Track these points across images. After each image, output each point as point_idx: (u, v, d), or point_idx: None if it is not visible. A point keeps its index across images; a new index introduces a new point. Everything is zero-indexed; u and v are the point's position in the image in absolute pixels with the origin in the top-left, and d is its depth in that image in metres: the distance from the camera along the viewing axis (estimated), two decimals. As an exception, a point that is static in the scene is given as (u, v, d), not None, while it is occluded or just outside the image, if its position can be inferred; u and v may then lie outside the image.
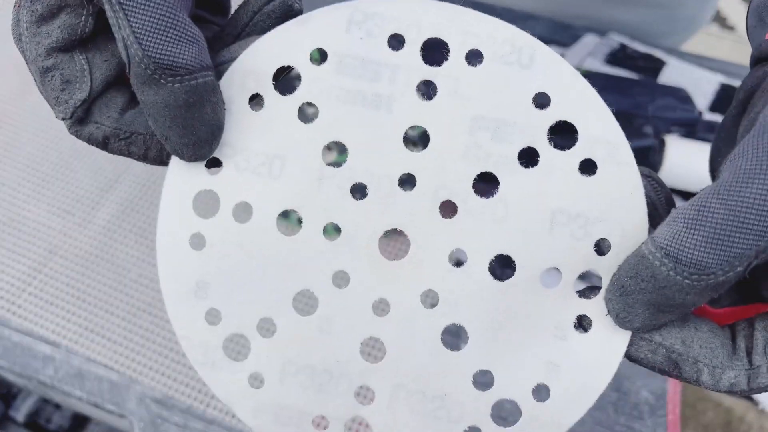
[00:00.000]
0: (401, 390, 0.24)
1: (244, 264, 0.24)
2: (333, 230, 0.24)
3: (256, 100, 0.24)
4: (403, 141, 0.24)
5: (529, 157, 0.23)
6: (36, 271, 0.49)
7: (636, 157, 0.23)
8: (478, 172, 0.23)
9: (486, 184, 0.23)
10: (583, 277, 0.23)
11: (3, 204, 0.53)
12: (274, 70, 0.24)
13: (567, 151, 0.23)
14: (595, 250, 0.23)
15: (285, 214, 0.24)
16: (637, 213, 0.23)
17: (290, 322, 0.24)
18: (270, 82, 0.24)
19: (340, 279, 0.24)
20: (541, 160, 0.23)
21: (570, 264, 0.23)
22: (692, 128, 0.54)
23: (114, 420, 0.45)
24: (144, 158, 0.24)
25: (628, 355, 0.23)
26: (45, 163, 0.55)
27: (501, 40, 0.23)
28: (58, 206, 0.53)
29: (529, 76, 0.23)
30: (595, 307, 0.23)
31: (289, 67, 0.24)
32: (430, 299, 0.24)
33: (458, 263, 0.24)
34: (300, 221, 0.24)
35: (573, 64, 0.48)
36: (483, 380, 0.24)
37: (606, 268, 0.23)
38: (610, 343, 0.23)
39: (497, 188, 0.23)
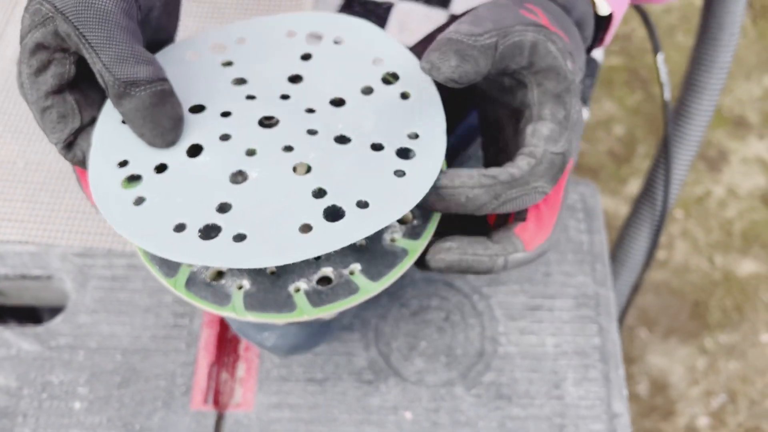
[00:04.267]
0: (254, 199, 0.30)
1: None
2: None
3: None
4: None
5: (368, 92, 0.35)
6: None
7: None
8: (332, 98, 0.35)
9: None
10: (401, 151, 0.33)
11: None
12: None
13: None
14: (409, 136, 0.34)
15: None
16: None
17: (179, 163, 0.32)
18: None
19: (225, 137, 0.33)
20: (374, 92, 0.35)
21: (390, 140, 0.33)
22: None
23: (44, 286, 0.49)
24: None
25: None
26: None
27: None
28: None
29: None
30: (410, 165, 0.32)
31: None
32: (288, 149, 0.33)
33: (311, 133, 0.33)
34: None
35: None
36: (319, 195, 0.31)
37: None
38: (421, 173, 0.32)
39: (345, 106, 0.34)
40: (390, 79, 0.36)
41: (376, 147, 0.33)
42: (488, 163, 0.38)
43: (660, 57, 0.72)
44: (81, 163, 0.33)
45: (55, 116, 0.32)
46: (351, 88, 0.35)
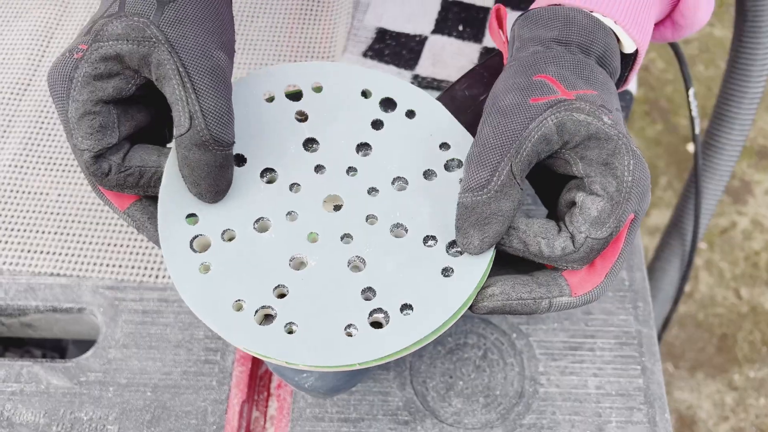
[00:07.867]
0: (309, 289, 0.32)
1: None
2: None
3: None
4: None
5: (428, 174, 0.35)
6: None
7: None
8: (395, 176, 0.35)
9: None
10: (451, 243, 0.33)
11: None
12: None
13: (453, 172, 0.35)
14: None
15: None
16: None
17: (246, 235, 0.33)
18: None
19: (292, 216, 0.34)
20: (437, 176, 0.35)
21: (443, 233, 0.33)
22: None
23: (75, 319, 0.49)
24: (136, 185, 0.33)
25: (500, 250, 0.33)
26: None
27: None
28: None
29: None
30: (458, 263, 0.32)
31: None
32: (347, 238, 0.34)
33: (371, 220, 0.34)
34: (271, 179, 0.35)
35: None
36: (367, 294, 0.32)
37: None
38: (467, 273, 0.32)
39: (405, 189, 0.35)
40: (452, 165, 0.36)
41: (429, 239, 0.33)
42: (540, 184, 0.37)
43: (691, 92, 0.71)
44: (104, 176, 0.32)
45: (97, 124, 0.31)
46: (414, 168, 0.35)
